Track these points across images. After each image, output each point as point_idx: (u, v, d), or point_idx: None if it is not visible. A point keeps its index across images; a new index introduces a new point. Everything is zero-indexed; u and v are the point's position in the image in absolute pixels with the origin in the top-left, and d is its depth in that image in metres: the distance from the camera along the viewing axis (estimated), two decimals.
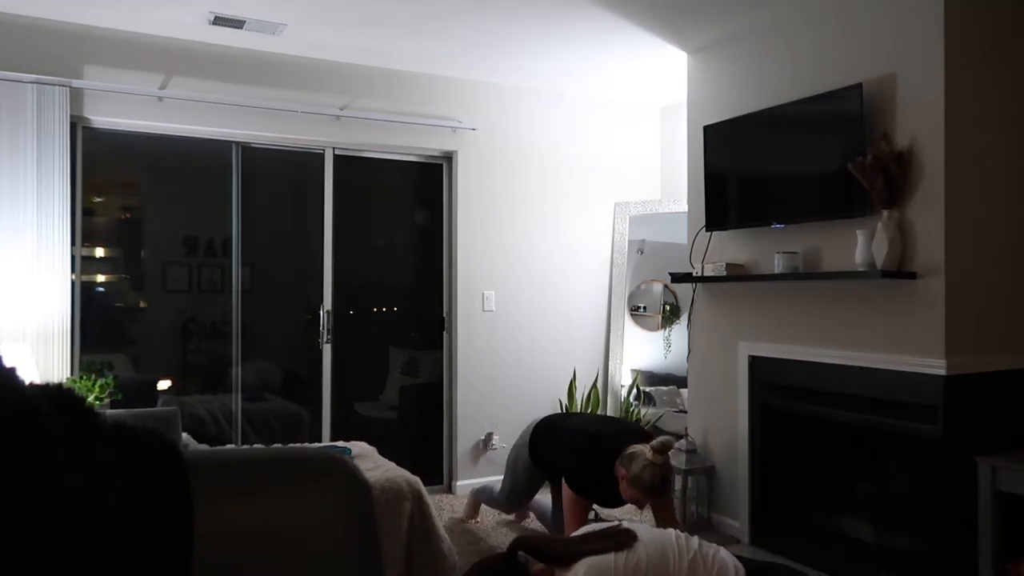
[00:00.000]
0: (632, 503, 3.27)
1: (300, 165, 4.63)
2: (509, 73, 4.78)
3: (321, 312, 4.60)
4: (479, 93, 4.92)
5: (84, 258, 4.10)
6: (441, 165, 4.96)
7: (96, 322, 4.13)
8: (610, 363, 5.32)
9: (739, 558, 2.50)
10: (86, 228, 4.11)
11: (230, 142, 4.39)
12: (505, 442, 4.93)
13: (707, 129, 4.03)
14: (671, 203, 5.24)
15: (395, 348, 4.98)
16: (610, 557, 2.28)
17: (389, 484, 3.11)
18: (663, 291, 5.27)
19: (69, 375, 3.77)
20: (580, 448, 3.35)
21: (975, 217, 3.07)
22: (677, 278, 4.20)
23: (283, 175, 4.73)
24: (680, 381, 4.98)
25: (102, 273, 4.31)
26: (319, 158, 4.61)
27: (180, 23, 3.91)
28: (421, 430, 4.96)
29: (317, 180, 4.62)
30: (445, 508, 4.40)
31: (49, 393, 0.74)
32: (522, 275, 5.05)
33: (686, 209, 4.47)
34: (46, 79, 3.73)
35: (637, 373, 5.28)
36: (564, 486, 3.38)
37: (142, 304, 4.43)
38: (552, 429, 3.66)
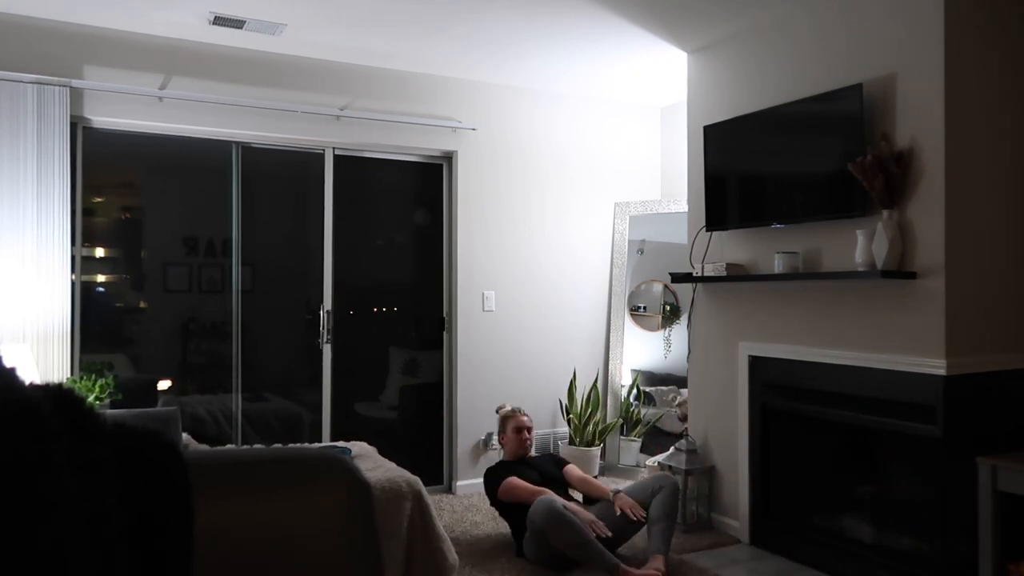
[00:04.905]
0: (519, 451, 3.89)
1: (300, 165, 4.63)
2: (509, 73, 4.78)
3: (321, 312, 4.60)
4: (479, 93, 4.92)
5: (84, 258, 4.10)
6: (441, 165, 4.96)
7: (96, 322, 4.13)
8: (610, 363, 5.32)
9: None
10: (86, 228, 4.11)
11: (230, 142, 4.39)
12: None
13: (707, 129, 4.03)
14: (671, 203, 5.24)
15: (395, 348, 4.98)
16: None
17: (389, 484, 3.11)
18: (663, 291, 5.27)
19: (69, 375, 3.77)
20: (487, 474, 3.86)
21: (975, 217, 3.07)
22: (677, 278, 4.20)
23: (283, 175, 4.73)
24: (680, 381, 4.98)
25: (102, 273, 4.31)
26: (319, 158, 4.61)
27: (180, 23, 3.91)
28: (421, 430, 4.97)
29: (317, 180, 4.62)
30: (445, 508, 4.40)
31: (49, 393, 0.74)
32: (522, 275, 5.05)
33: (686, 209, 4.47)
34: (46, 79, 3.73)
35: (637, 373, 5.28)
36: (501, 489, 3.68)
37: (142, 304, 4.43)
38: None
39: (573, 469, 3.88)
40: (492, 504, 3.80)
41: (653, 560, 3.28)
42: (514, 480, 3.65)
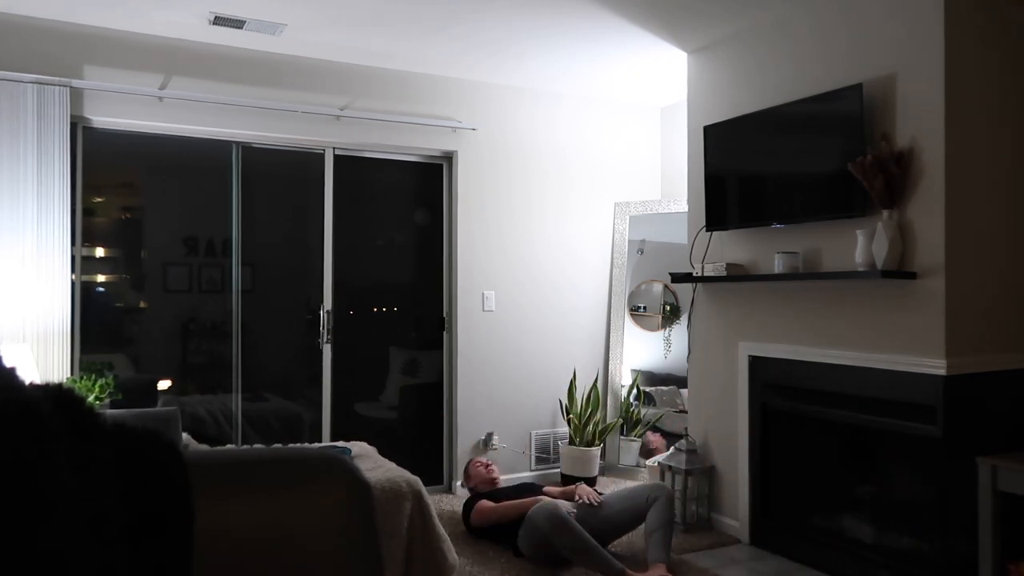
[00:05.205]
0: (488, 477, 4.09)
1: (300, 165, 4.63)
2: (509, 73, 4.78)
3: (321, 312, 4.60)
4: (479, 93, 4.92)
5: (84, 258, 4.10)
6: (441, 165, 4.96)
7: (96, 322, 4.13)
8: (610, 363, 5.32)
9: None
10: (86, 228, 4.11)
11: (230, 142, 4.39)
12: (505, 442, 4.94)
13: (707, 129, 4.03)
14: (671, 203, 5.24)
15: (395, 348, 4.98)
16: None
17: (389, 484, 3.11)
18: (663, 291, 5.27)
19: (69, 375, 3.77)
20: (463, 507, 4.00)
21: (975, 217, 3.07)
22: (677, 278, 4.20)
23: (283, 175, 4.73)
24: (680, 381, 4.98)
25: (102, 273, 4.31)
26: (319, 158, 4.61)
27: (180, 23, 3.91)
28: (421, 430, 4.97)
29: (317, 180, 4.62)
30: (445, 508, 4.40)
31: (49, 393, 0.74)
32: (522, 275, 5.05)
33: (686, 209, 4.47)
34: (46, 79, 3.73)
35: (637, 373, 5.28)
36: (473, 515, 3.83)
37: (142, 304, 4.43)
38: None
39: (550, 489, 3.98)
40: (469, 533, 3.90)
41: (656, 568, 3.29)
42: (482, 503, 3.79)
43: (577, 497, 3.67)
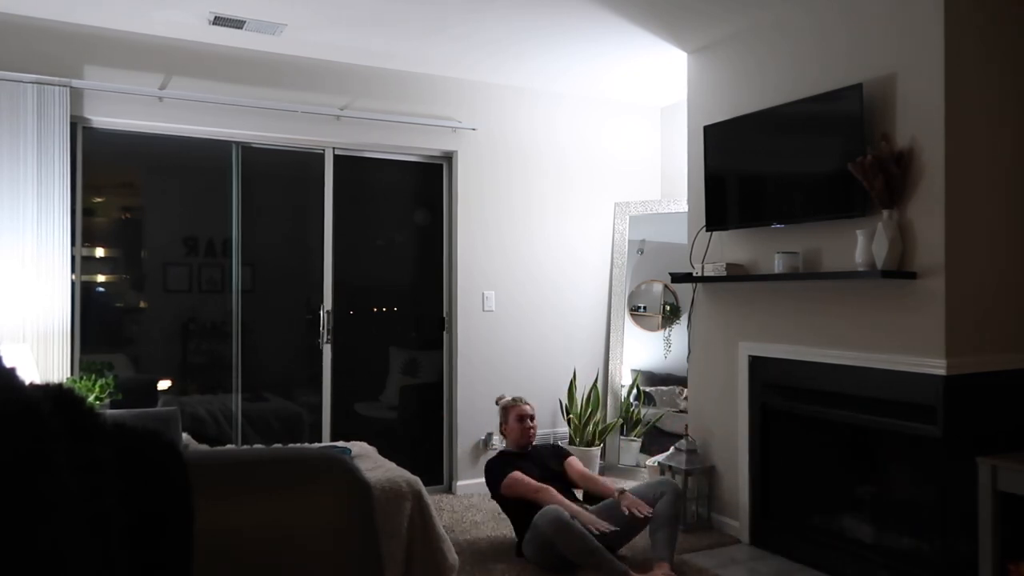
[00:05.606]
0: (522, 440, 3.85)
1: (300, 165, 4.63)
2: (509, 73, 4.78)
3: (321, 312, 4.60)
4: (479, 93, 4.92)
5: (84, 258, 4.10)
6: (441, 165, 4.96)
7: (96, 322, 4.13)
8: (610, 363, 5.32)
9: None
10: (86, 228, 4.11)
11: (230, 142, 4.39)
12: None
13: (707, 129, 4.03)
14: (671, 203, 5.24)
15: (395, 348, 4.98)
16: None
17: (389, 484, 3.11)
18: (663, 291, 5.27)
19: (69, 375, 3.77)
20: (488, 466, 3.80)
21: (975, 217, 3.07)
22: (677, 278, 4.20)
23: (283, 175, 4.73)
24: (680, 381, 4.98)
25: (102, 273, 4.31)
26: (319, 158, 4.61)
27: (180, 23, 3.91)
28: (421, 430, 4.97)
29: (317, 180, 4.62)
30: (445, 508, 4.40)
31: (49, 393, 0.74)
32: (522, 275, 5.05)
33: (686, 209, 4.47)
34: (46, 79, 3.73)
35: (637, 373, 5.28)
36: (504, 484, 3.62)
37: (142, 304, 4.43)
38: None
39: (574, 463, 3.84)
40: (493, 497, 3.75)
41: (659, 567, 3.27)
42: (517, 475, 3.59)
43: (625, 510, 3.42)
